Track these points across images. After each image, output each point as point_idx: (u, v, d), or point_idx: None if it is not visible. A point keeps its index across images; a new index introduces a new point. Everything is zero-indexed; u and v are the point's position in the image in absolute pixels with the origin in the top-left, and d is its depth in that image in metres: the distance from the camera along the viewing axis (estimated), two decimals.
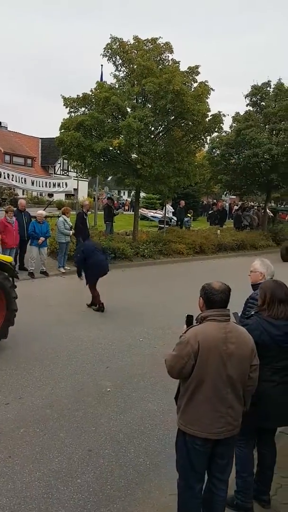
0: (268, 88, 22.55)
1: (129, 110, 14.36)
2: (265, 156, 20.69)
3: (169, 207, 23.38)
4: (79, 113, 15.07)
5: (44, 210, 14.16)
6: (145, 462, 4.07)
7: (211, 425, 2.75)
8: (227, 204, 33.62)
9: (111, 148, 14.61)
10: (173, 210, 24.29)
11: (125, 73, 15.43)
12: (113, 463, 4.00)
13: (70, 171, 33.10)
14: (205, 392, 2.74)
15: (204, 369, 2.71)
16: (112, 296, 10.07)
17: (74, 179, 22.93)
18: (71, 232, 12.38)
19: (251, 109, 22.86)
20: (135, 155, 14.72)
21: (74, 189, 24.57)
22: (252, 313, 3.38)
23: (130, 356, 6.56)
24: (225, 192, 31.36)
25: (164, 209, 21.41)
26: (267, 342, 3.11)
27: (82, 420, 4.66)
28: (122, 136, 13.84)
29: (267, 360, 3.14)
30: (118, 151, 14.83)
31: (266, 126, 21.88)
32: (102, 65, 17.25)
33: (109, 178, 31.85)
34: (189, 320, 2.97)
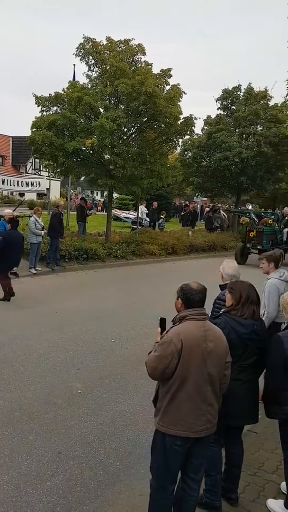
0: (239, 92, 23.00)
1: (101, 110, 14.33)
2: (235, 159, 21.10)
3: (143, 208, 23.47)
4: (51, 112, 14.93)
5: (14, 210, 13.92)
6: (115, 463, 4.07)
7: (193, 423, 2.79)
8: (198, 206, 34.00)
9: (83, 148, 14.54)
10: (147, 211, 24.40)
11: (97, 73, 15.40)
12: (83, 465, 3.99)
13: (42, 170, 32.70)
14: (188, 390, 2.77)
15: (187, 367, 2.74)
16: (84, 297, 10.04)
17: (46, 178, 22.69)
18: (42, 232, 12.25)
19: (222, 112, 23.27)
20: (108, 156, 14.71)
21: (47, 188, 24.30)
22: (221, 312, 3.45)
23: (101, 357, 6.55)
24: (196, 194, 31.74)
25: (137, 210, 21.46)
26: (234, 341, 3.18)
27: (52, 423, 4.63)
28: (94, 136, 13.80)
29: (234, 359, 3.21)
30: (91, 152, 14.78)
31: (236, 130, 22.31)
32: (74, 65, 17.18)
33: (82, 178, 31.66)
34: (162, 323, 3.00)
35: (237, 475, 3.55)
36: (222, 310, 3.52)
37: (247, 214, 19.29)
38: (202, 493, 3.41)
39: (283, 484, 3.66)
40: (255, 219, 17.96)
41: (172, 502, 2.96)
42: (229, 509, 3.45)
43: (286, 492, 3.54)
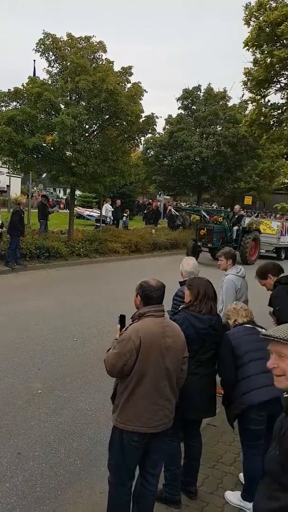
0: (199, 93, 23.36)
1: (62, 106, 14.16)
2: (196, 159, 21.43)
3: (109, 206, 23.39)
4: (10, 108, 14.61)
5: None
6: (75, 462, 4.07)
7: (150, 418, 2.82)
8: (161, 204, 34.27)
9: (44, 145, 14.33)
10: (112, 210, 24.35)
11: (58, 69, 15.21)
12: (43, 465, 3.97)
13: (2, 166, 31.93)
14: (146, 386, 2.80)
15: (145, 363, 2.77)
16: (45, 296, 9.91)
17: (6, 175, 22.20)
18: (0, 230, 11.98)
19: (183, 112, 23.55)
20: (69, 153, 14.56)
21: (7, 185, 23.77)
22: (179, 308, 3.53)
23: (63, 356, 6.50)
24: (159, 192, 31.99)
25: (100, 208, 21.37)
26: (192, 336, 3.26)
27: (11, 424, 4.56)
28: (55, 132, 13.63)
29: (192, 353, 3.29)
30: (52, 148, 14.59)
31: (197, 130, 22.68)
32: (34, 61, 16.88)
33: (44, 175, 31.18)
34: (122, 320, 3.02)
35: (196, 469, 3.62)
36: (181, 306, 3.59)
37: (198, 212, 19.13)
38: (161, 488, 3.46)
39: (241, 474, 3.78)
40: (206, 216, 17.84)
41: (130, 500, 2.98)
42: (188, 502, 3.51)
43: (242, 479, 3.66)
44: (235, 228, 17.31)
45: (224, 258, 5.40)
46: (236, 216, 18.03)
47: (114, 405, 2.94)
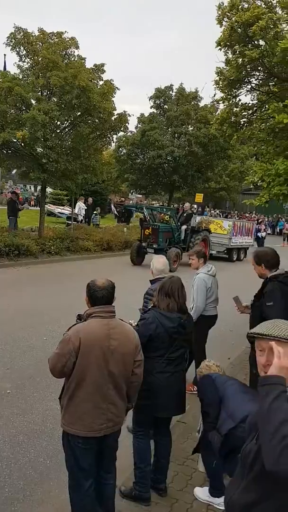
0: (171, 92, 23.49)
1: (33, 102, 13.95)
2: (167, 158, 21.55)
3: (81, 204, 23.18)
4: None
5: None
6: (45, 461, 4.02)
7: (92, 422, 2.75)
8: (134, 202, 34.29)
9: (14, 140, 14.05)
10: (85, 208, 24.13)
11: (29, 64, 14.95)
12: (12, 465, 3.90)
13: None
14: (86, 389, 2.73)
15: (86, 366, 2.70)
16: (15, 294, 9.73)
17: None
18: None
19: (155, 111, 23.63)
20: (40, 149, 14.34)
21: None
22: (149, 307, 3.53)
23: (33, 356, 6.40)
24: (131, 191, 31.99)
25: (71, 205, 21.16)
26: (162, 335, 3.27)
27: None
28: (26, 128, 13.40)
29: (161, 351, 3.30)
30: (22, 144, 14.32)
31: (169, 129, 22.80)
32: (5, 55, 16.59)
33: (14, 171, 30.61)
34: (80, 319, 2.96)
35: (166, 466, 3.64)
36: (150, 305, 3.59)
37: (141, 209, 17.49)
38: (131, 485, 3.48)
39: (200, 465, 3.82)
40: (147, 215, 16.37)
41: (92, 496, 2.92)
42: (158, 499, 3.52)
43: (203, 471, 3.71)
44: (184, 227, 16.22)
45: (196, 257, 5.48)
46: (185, 214, 16.86)
47: (60, 406, 2.89)
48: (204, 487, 3.67)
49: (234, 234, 18.74)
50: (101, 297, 2.80)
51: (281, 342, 1.78)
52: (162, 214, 16.41)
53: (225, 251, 18.89)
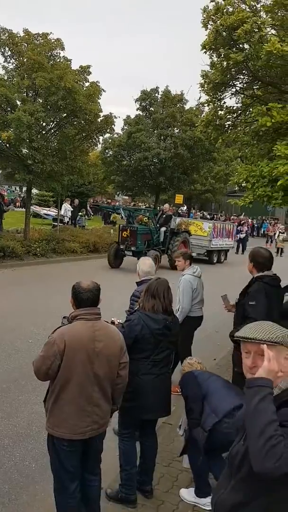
0: (156, 94, 23.59)
1: (18, 103, 13.86)
2: (154, 160, 21.62)
3: (68, 206, 23.04)
4: None
5: None
6: (30, 465, 3.99)
7: (76, 425, 2.74)
8: (120, 203, 34.28)
9: None
10: (72, 209, 24.00)
11: (14, 65, 14.86)
12: None
13: None
14: (71, 391, 2.72)
15: (70, 368, 2.69)
16: (0, 296, 9.63)
17: None
18: None
19: (141, 113, 23.68)
20: (26, 150, 14.24)
21: None
22: (135, 308, 3.53)
23: (18, 359, 6.35)
24: (118, 192, 31.99)
25: (57, 206, 21.04)
26: (147, 336, 3.28)
27: None
28: (11, 129, 13.30)
29: (147, 353, 3.30)
30: (7, 145, 14.21)
31: (155, 131, 22.87)
32: None
33: None
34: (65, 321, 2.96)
35: (152, 468, 3.64)
36: (136, 307, 3.60)
37: (118, 210, 16.86)
38: (117, 488, 3.47)
39: (185, 461, 3.84)
40: (124, 216, 16.10)
41: (77, 500, 2.91)
42: (144, 501, 3.52)
43: (187, 466, 3.75)
44: (163, 229, 15.73)
45: (182, 258, 5.53)
46: (164, 216, 16.29)
47: (45, 408, 2.88)
48: (190, 488, 3.68)
49: (215, 236, 18.44)
50: (86, 299, 2.79)
51: (268, 345, 1.80)
52: (141, 215, 15.81)
53: (205, 253, 18.51)
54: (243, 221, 29.51)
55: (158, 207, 25.88)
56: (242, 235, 24.59)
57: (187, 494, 3.62)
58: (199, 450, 3.44)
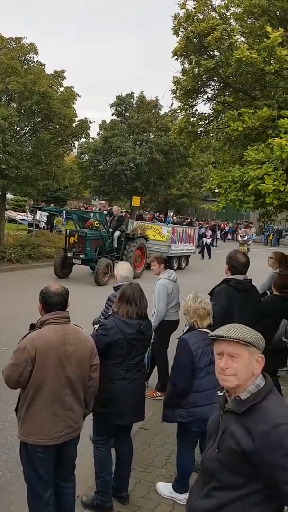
0: (132, 100, 23.71)
1: None
2: (130, 165, 21.67)
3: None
4: None
5: None
6: (5, 475, 3.92)
7: (50, 430, 2.73)
8: (96, 208, 34.19)
9: None
10: (47, 214, 23.72)
11: None
12: None
13: None
14: (44, 397, 2.71)
15: (42, 374, 2.68)
16: None
17: None
18: None
19: (117, 118, 23.76)
20: None
21: None
22: (109, 313, 3.53)
23: None
24: (94, 197, 31.90)
25: (33, 212, 20.78)
26: (121, 341, 3.28)
27: None
28: None
29: (120, 359, 3.30)
30: None
31: (131, 136, 22.97)
32: None
33: None
34: (32, 328, 2.93)
35: (127, 474, 3.63)
36: (110, 310, 3.60)
37: (60, 213, 15.35)
38: (93, 495, 3.45)
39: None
40: (64, 221, 14.83)
41: (52, 508, 2.89)
42: (120, 508, 3.51)
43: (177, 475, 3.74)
44: (117, 234, 14.37)
45: (157, 263, 5.58)
46: (115, 218, 14.74)
47: (17, 418, 2.84)
48: (168, 482, 3.71)
49: (174, 241, 17.18)
50: (55, 303, 2.79)
51: (239, 343, 1.84)
52: (90, 219, 14.29)
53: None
54: (206, 225, 27.81)
55: (137, 212, 25.96)
56: (208, 240, 22.98)
57: (164, 488, 3.66)
58: (190, 448, 3.55)
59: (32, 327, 2.92)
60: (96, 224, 13.80)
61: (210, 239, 23.74)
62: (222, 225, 36.81)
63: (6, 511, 3.49)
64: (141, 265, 15.13)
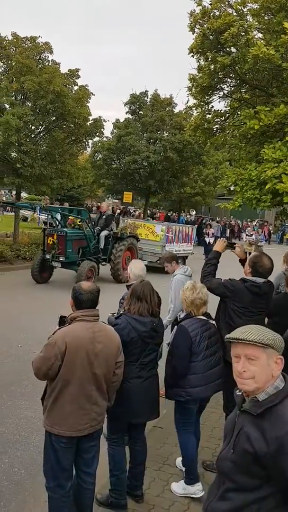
0: (146, 98, 23.63)
1: (7, 106, 13.83)
2: (143, 163, 21.60)
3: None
4: None
5: None
6: (19, 471, 3.94)
7: (76, 423, 2.80)
8: (110, 207, 34.24)
9: None
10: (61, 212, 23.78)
11: (2, 69, 14.85)
12: None
13: None
14: (71, 391, 2.78)
15: (71, 369, 2.75)
16: None
17: None
18: None
19: (130, 117, 23.71)
20: (14, 154, 14.19)
21: None
22: (121, 312, 3.51)
23: (6, 364, 6.28)
24: (107, 196, 31.96)
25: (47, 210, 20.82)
26: (135, 339, 3.27)
27: None
28: (0, 133, 13.25)
29: (135, 357, 3.29)
30: None
31: (144, 135, 22.90)
32: None
33: None
34: (61, 321, 2.98)
35: (142, 472, 3.62)
36: (121, 309, 3.59)
37: (34, 209, 13.82)
38: (108, 493, 3.44)
39: (178, 460, 3.95)
40: (40, 216, 12.95)
41: (70, 501, 2.95)
42: (134, 506, 3.50)
43: (181, 466, 3.83)
44: (104, 233, 12.74)
45: (167, 262, 5.58)
46: (104, 217, 13.19)
47: (43, 407, 2.93)
48: (180, 481, 3.73)
49: (169, 240, 15.58)
50: (86, 300, 2.85)
51: (256, 346, 1.79)
52: (72, 217, 12.54)
53: (159, 261, 14.34)
54: (207, 223, 25.09)
55: (149, 211, 25.89)
56: (211, 240, 20.11)
57: (177, 487, 3.69)
58: (189, 432, 3.69)
59: (61, 319, 2.97)
60: (79, 222, 12.16)
61: (213, 238, 20.02)
62: (234, 223, 36.41)
63: (21, 508, 3.50)
64: None
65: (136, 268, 4.39)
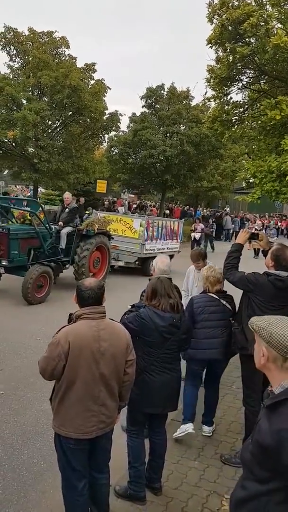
0: (162, 91, 23.45)
1: (24, 101, 13.92)
2: (160, 157, 21.49)
3: (74, 204, 22.92)
4: None
5: None
6: (39, 462, 3.98)
7: (82, 425, 2.72)
8: (126, 202, 34.24)
9: (5, 140, 14.00)
10: (77, 208, 23.84)
11: (20, 64, 14.93)
12: (5, 467, 3.86)
13: None
14: (76, 392, 2.70)
15: (75, 369, 2.66)
16: (6, 295, 9.65)
17: None
18: None
19: (147, 110, 23.57)
20: (32, 149, 14.30)
21: None
22: (143, 305, 3.50)
23: (26, 356, 6.35)
24: (124, 190, 31.93)
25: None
26: (152, 332, 3.25)
27: None
28: (17, 128, 13.35)
29: (154, 349, 3.28)
30: (14, 144, 14.27)
31: (161, 128, 22.75)
32: None
33: (5, 172, 30.47)
34: (70, 319, 2.91)
35: (161, 465, 3.61)
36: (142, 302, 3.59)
37: None
38: (126, 485, 3.45)
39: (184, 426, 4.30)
40: None
41: (86, 498, 2.90)
42: (153, 498, 3.51)
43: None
44: (66, 231, 10.14)
45: (197, 262, 5.49)
46: (67, 210, 10.56)
47: (51, 407, 2.86)
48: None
49: (149, 237, 13.30)
50: (87, 297, 2.76)
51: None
52: (20, 210, 10.00)
53: (137, 262, 13.12)
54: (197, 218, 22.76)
55: (166, 205, 25.75)
56: (197, 235, 18.90)
57: (178, 431, 4.28)
58: (193, 386, 4.40)
59: (70, 317, 2.91)
60: (28, 216, 9.50)
61: (200, 234, 19.09)
62: (250, 217, 35.98)
63: (40, 499, 3.54)
64: (102, 271, 11.13)
65: (162, 263, 4.31)
